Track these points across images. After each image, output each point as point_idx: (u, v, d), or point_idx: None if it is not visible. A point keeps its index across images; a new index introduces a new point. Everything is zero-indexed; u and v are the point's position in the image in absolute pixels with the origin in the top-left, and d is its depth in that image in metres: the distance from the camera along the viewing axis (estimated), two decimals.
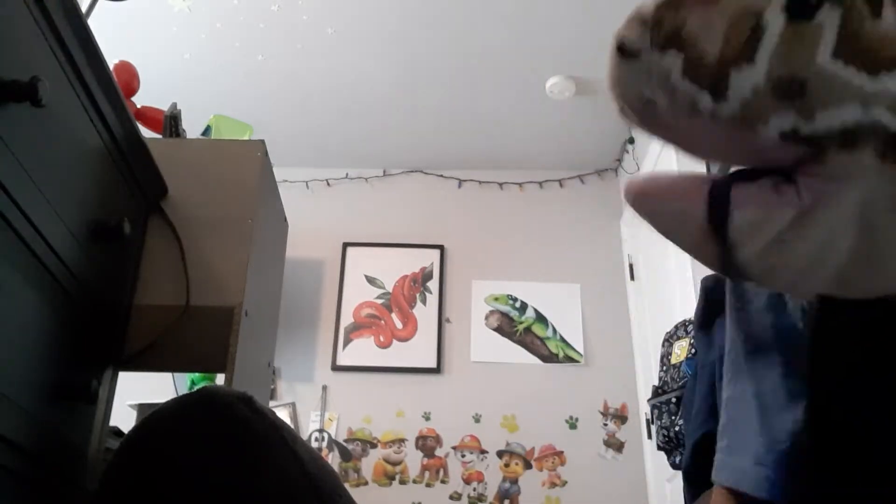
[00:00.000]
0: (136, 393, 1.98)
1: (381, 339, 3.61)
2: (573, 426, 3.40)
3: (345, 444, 3.40)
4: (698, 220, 0.37)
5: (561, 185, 3.90)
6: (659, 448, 2.59)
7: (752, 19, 0.31)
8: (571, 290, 3.60)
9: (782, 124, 0.31)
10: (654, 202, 0.39)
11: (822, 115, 0.30)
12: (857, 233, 0.31)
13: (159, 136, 1.61)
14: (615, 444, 3.36)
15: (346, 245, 3.81)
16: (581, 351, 3.53)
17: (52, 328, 0.88)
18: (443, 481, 3.32)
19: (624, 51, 0.35)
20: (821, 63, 0.30)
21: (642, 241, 3.43)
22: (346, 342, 3.59)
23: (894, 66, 0.29)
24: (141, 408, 2.00)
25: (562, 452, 3.34)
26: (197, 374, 2.47)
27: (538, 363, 3.53)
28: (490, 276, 3.71)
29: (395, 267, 3.75)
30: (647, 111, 0.35)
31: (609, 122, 3.56)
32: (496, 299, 3.67)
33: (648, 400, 2.74)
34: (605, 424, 3.41)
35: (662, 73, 0.34)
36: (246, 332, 1.24)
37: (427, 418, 3.43)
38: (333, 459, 3.36)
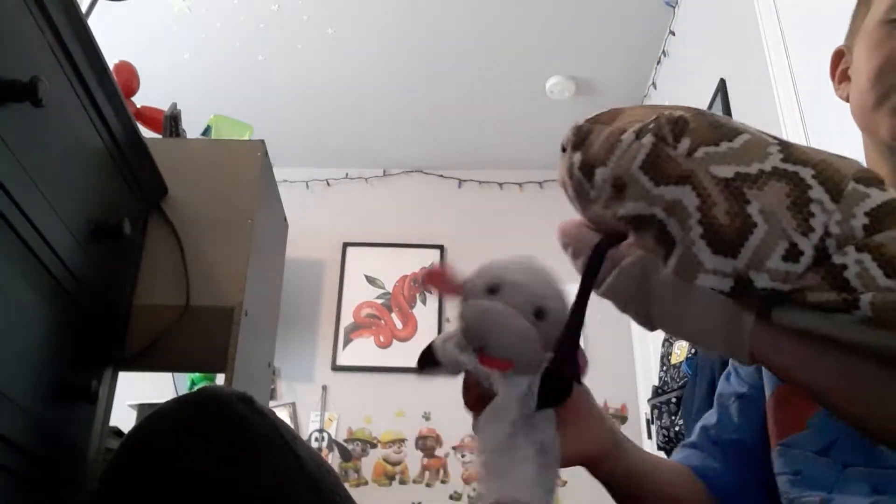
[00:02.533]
0: (136, 393, 1.98)
1: (381, 339, 3.61)
2: None
3: (345, 444, 3.40)
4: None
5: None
6: (659, 448, 2.59)
7: (618, 136, 0.46)
8: (571, 290, 3.60)
9: (619, 209, 0.46)
10: (569, 249, 0.57)
11: (629, 205, 0.45)
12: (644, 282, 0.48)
13: (159, 136, 1.61)
14: None
15: (346, 245, 3.81)
16: None
17: (52, 328, 0.88)
18: (443, 481, 3.32)
19: (562, 148, 0.52)
20: (633, 171, 0.44)
21: None
22: (346, 342, 3.60)
23: (670, 182, 0.43)
24: (141, 408, 2.00)
25: None
26: (197, 374, 2.47)
27: None
28: None
29: (395, 267, 3.76)
30: (566, 190, 0.52)
31: None
32: None
33: (648, 400, 2.74)
34: None
35: (570, 165, 0.49)
36: (246, 332, 1.24)
37: (427, 418, 3.43)
38: (333, 459, 3.36)
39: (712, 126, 0.44)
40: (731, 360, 0.76)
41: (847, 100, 0.68)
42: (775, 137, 0.44)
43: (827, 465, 0.60)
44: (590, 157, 0.47)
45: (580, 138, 0.49)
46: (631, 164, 0.44)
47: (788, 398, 0.66)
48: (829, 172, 0.41)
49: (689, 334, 0.46)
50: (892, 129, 0.60)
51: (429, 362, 0.61)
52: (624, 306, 0.50)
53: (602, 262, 0.51)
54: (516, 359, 0.54)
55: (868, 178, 0.41)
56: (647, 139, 0.44)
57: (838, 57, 0.72)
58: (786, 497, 0.64)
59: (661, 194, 0.43)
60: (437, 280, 0.58)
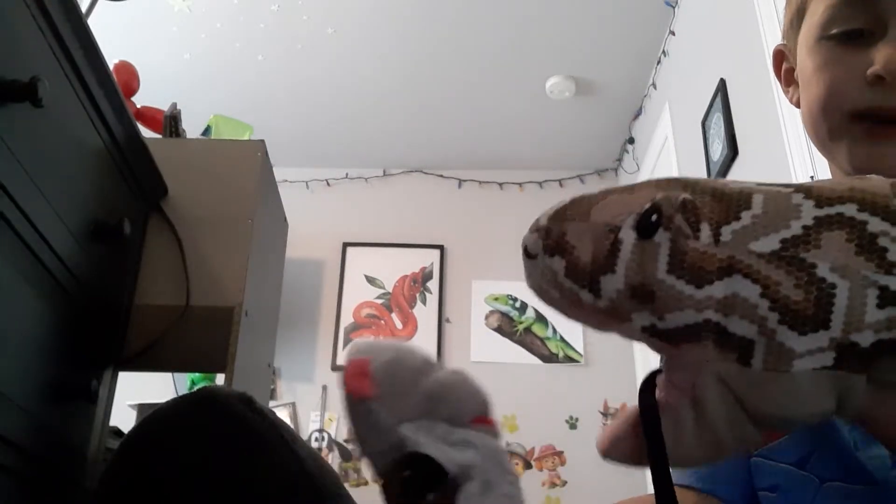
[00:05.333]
0: (136, 393, 1.98)
1: (381, 339, 3.61)
2: (573, 426, 3.40)
3: (345, 444, 3.40)
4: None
5: (561, 185, 3.90)
6: None
7: (611, 235, 0.39)
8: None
9: (642, 321, 0.39)
10: (614, 456, 0.48)
11: (669, 316, 0.38)
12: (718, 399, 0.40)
13: (159, 136, 1.61)
14: None
15: (346, 245, 3.81)
16: (581, 351, 3.53)
17: (52, 328, 0.88)
18: None
19: (527, 253, 0.44)
20: (660, 277, 0.37)
21: None
22: (346, 342, 3.60)
23: (713, 279, 0.36)
24: (141, 408, 2.00)
25: (562, 452, 3.34)
26: (197, 374, 2.47)
27: (538, 363, 3.53)
28: (490, 276, 3.71)
29: (395, 267, 3.76)
30: (547, 297, 0.44)
31: (609, 123, 3.56)
32: (496, 299, 3.67)
33: None
34: (606, 424, 3.41)
35: (551, 273, 0.42)
36: (246, 332, 1.24)
37: None
38: (333, 459, 3.36)
39: (717, 198, 0.39)
40: None
41: (797, 105, 0.66)
42: (782, 184, 0.40)
43: (804, 480, 0.59)
44: (581, 264, 0.40)
45: (555, 241, 0.42)
46: (654, 270, 0.38)
47: None
48: (871, 199, 0.37)
49: (804, 418, 0.40)
50: (853, 166, 0.58)
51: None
52: (726, 441, 0.41)
53: (657, 415, 0.42)
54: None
55: None
56: (662, 237, 0.38)
57: (780, 56, 0.70)
58: None
59: (709, 295, 0.36)
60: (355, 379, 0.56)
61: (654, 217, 0.38)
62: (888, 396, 0.38)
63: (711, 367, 0.39)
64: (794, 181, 1.76)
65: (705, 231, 0.37)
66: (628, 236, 0.39)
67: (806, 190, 0.38)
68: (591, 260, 0.40)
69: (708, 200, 0.38)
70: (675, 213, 0.38)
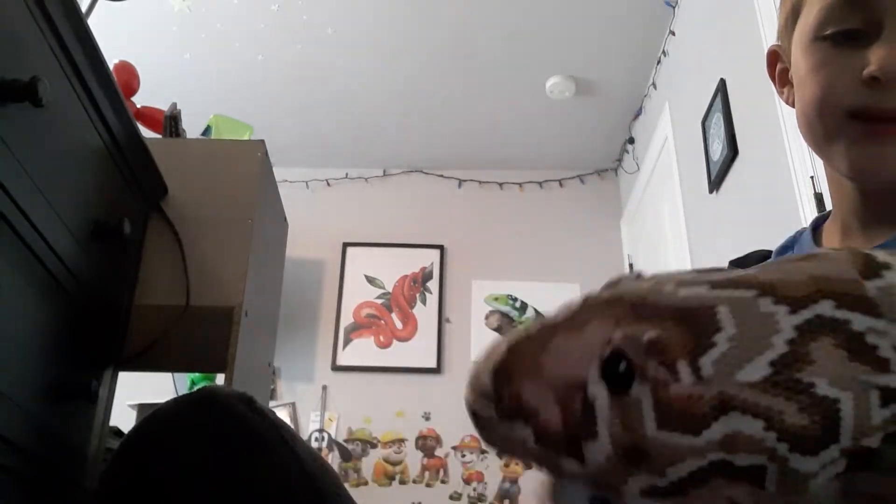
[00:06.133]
0: (136, 393, 1.98)
1: (381, 339, 3.61)
2: None
3: (345, 444, 3.40)
4: None
5: (561, 185, 3.90)
6: None
7: (579, 393, 0.34)
8: (571, 290, 3.60)
9: (640, 484, 0.35)
10: None
11: (671, 470, 0.34)
12: None
13: (159, 136, 1.61)
14: None
15: (346, 245, 3.81)
16: None
17: (51, 328, 0.88)
18: (443, 481, 3.32)
19: (478, 418, 0.37)
20: (652, 435, 0.33)
21: (642, 241, 3.43)
22: (346, 342, 3.60)
23: (710, 421, 0.33)
24: (141, 408, 2.00)
25: None
26: (197, 374, 2.47)
27: None
28: (490, 276, 3.71)
29: (395, 267, 3.76)
30: (517, 457, 0.38)
31: (609, 122, 3.56)
32: (496, 299, 3.67)
33: None
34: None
35: (517, 442, 0.36)
36: (246, 332, 1.24)
37: (427, 418, 3.43)
38: (333, 459, 3.36)
39: (680, 322, 0.34)
40: None
41: (792, 105, 0.66)
42: (725, 275, 0.37)
43: None
44: (553, 430, 0.35)
45: (511, 406, 0.37)
46: (642, 429, 0.34)
47: None
48: (842, 290, 0.35)
49: None
50: (850, 167, 0.57)
51: None
52: None
53: None
54: None
55: (871, 270, 0.35)
56: (640, 390, 0.34)
57: (774, 57, 0.70)
58: None
59: (709, 440, 0.33)
60: None
61: (622, 366, 0.34)
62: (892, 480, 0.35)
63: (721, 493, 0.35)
64: (794, 181, 1.76)
65: (684, 370, 0.34)
66: (600, 393, 0.34)
67: (768, 290, 0.35)
68: (562, 425, 0.35)
69: (672, 329, 0.34)
70: (645, 360, 0.34)
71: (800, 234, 0.69)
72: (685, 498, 0.35)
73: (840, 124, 0.57)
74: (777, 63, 0.70)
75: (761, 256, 0.73)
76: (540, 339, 0.37)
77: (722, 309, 0.34)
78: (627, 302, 0.36)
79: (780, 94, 0.70)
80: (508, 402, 0.36)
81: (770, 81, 0.73)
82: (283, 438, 0.64)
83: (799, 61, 0.62)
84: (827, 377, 0.33)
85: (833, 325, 0.34)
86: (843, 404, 0.33)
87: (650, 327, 0.34)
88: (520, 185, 3.93)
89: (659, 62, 3.08)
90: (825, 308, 0.34)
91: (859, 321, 0.34)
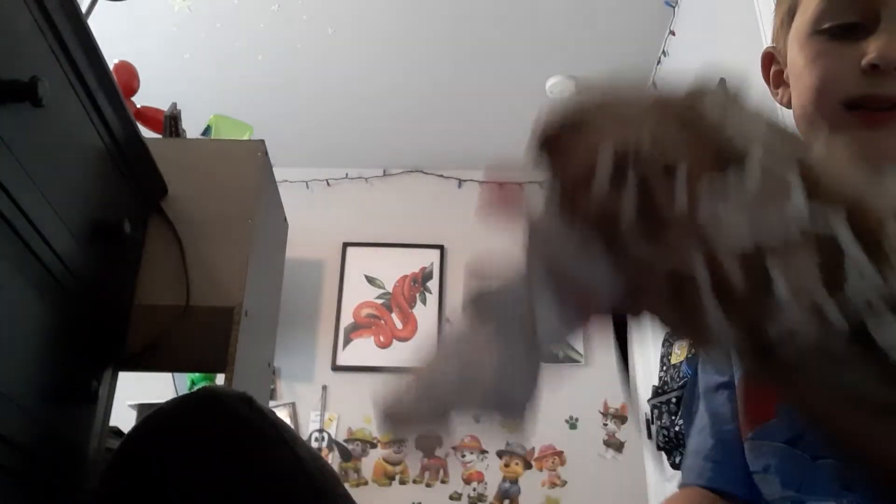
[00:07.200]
0: (136, 393, 1.98)
1: (381, 339, 3.61)
2: (573, 426, 3.40)
3: (345, 444, 3.40)
4: None
5: None
6: (659, 448, 2.59)
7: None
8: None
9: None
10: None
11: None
12: None
13: (159, 136, 1.61)
14: (615, 444, 3.36)
15: (345, 245, 3.81)
16: (581, 351, 3.53)
17: (52, 328, 0.88)
18: (443, 481, 3.32)
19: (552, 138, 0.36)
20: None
21: None
22: (346, 342, 3.60)
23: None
24: (141, 408, 2.00)
25: (562, 452, 3.34)
26: (197, 374, 2.47)
27: None
28: None
29: (395, 267, 3.75)
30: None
31: None
32: None
33: (648, 400, 2.74)
34: (605, 424, 3.41)
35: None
36: (246, 332, 1.24)
37: None
38: (333, 459, 3.36)
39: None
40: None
41: (788, 105, 0.66)
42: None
43: (796, 458, 0.58)
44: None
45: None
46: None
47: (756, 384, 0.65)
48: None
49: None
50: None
51: None
52: None
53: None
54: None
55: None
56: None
57: (769, 59, 0.70)
58: (764, 499, 0.63)
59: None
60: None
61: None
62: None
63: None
64: None
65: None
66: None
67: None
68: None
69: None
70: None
71: None
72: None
73: (838, 113, 0.58)
74: (772, 65, 0.70)
75: None
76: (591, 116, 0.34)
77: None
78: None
79: (774, 95, 0.70)
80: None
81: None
82: (283, 438, 0.64)
83: (796, 56, 0.62)
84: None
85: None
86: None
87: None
88: (520, 185, 3.93)
89: (659, 62, 3.08)
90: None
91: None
